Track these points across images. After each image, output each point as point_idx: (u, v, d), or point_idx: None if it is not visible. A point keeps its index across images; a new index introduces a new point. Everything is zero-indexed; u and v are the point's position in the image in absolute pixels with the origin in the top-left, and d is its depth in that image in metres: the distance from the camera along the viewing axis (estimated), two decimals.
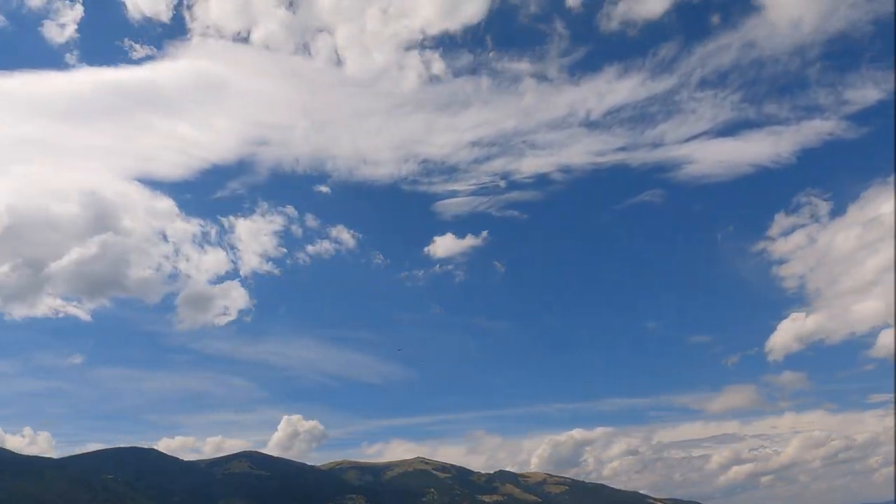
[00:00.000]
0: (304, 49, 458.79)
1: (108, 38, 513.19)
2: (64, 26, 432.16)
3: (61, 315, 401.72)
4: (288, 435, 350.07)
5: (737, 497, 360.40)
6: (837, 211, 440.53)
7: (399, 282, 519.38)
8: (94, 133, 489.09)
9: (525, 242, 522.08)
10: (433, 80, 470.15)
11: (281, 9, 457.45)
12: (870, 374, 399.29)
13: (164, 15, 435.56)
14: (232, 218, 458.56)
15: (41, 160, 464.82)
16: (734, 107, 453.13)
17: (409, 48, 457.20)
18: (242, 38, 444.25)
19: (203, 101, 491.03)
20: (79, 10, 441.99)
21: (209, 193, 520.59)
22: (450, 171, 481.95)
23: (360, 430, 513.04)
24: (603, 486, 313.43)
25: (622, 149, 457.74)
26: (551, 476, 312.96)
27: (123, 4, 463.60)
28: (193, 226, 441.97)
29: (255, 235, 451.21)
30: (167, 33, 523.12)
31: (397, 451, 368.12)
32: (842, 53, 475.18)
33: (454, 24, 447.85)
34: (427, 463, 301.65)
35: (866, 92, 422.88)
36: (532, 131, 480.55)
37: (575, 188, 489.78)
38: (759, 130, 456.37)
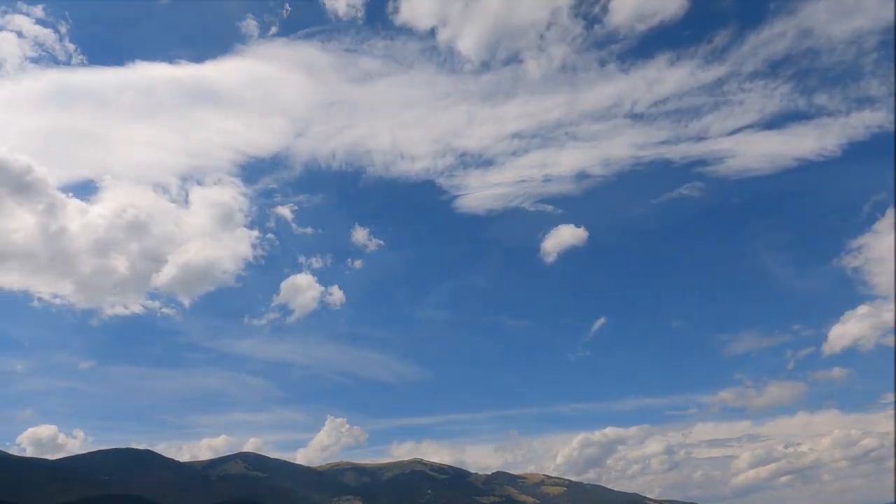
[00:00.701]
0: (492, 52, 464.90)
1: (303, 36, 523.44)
2: (268, 26, 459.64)
3: (159, 315, 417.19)
4: (330, 437, 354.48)
5: (750, 497, 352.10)
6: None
7: (418, 280, 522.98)
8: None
9: (561, 236, 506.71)
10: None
11: (470, 7, 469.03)
12: None
13: (360, 19, 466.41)
14: None
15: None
16: (784, 97, 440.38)
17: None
18: (430, 39, 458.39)
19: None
20: (286, 9, 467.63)
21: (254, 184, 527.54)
22: (486, 164, 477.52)
23: (388, 429, 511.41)
24: (601, 487, 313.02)
25: (664, 142, 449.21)
26: (549, 477, 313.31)
27: (324, 4, 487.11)
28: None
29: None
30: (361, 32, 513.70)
31: (427, 451, 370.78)
32: None
33: None
34: (424, 464, 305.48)
35: None
36: (575, 122, 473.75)
37: (612, 182, 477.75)
38: (807, 123, 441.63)
